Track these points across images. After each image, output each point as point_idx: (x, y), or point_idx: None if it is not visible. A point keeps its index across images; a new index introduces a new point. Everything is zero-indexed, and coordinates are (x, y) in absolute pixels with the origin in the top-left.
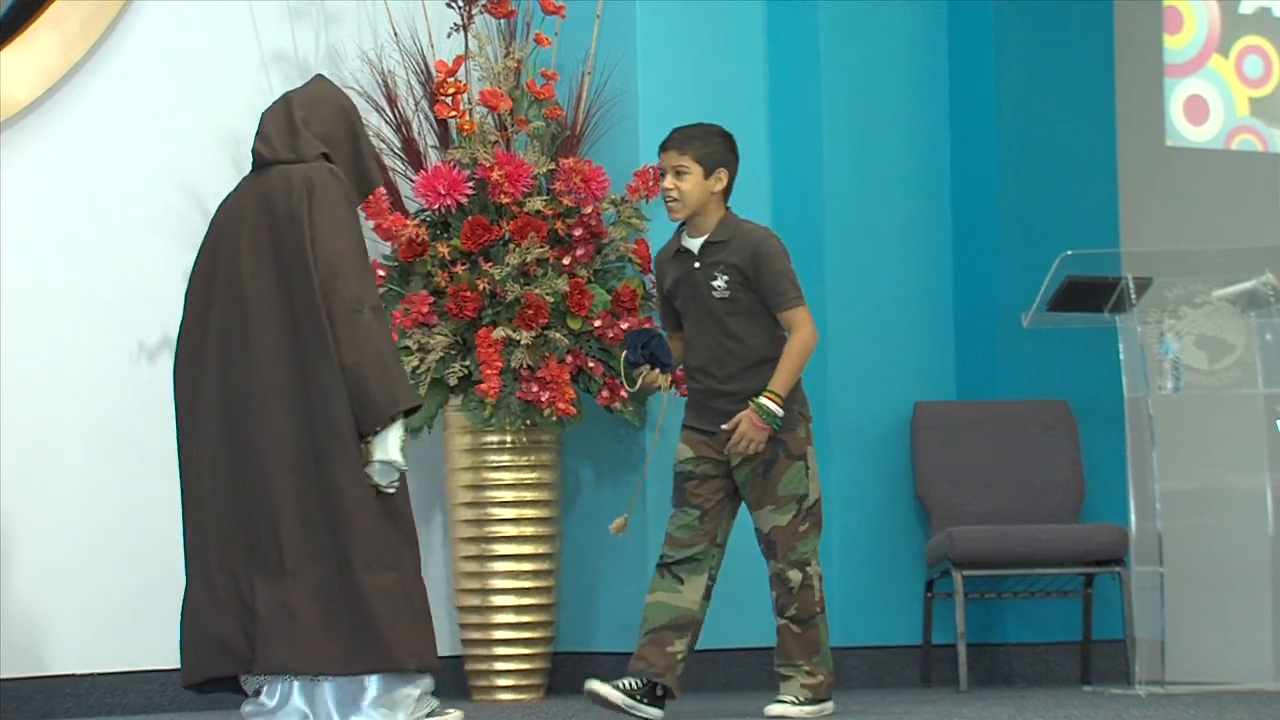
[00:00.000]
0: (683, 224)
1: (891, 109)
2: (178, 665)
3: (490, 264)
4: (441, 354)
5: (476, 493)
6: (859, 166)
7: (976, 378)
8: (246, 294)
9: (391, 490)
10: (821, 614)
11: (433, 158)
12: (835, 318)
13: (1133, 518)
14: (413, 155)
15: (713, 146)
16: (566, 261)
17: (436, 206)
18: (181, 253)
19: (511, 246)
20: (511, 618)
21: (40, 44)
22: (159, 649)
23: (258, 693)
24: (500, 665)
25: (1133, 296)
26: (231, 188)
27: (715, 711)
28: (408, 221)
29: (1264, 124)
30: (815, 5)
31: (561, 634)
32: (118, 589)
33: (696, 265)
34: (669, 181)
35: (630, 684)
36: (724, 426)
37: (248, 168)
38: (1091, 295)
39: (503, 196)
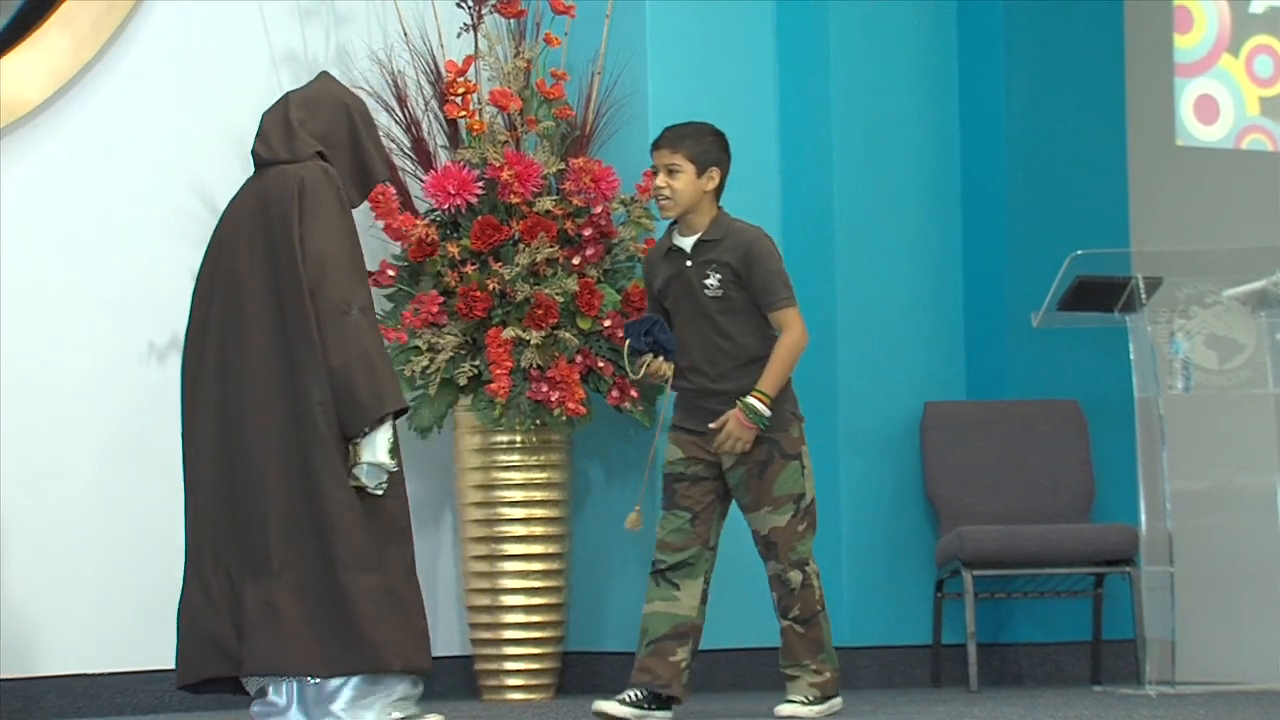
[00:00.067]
0: (674, 223)
1: (901, 109)
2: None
3: (500, 264)
4: (451, 354)
5: (486, 492)
6: (869, 166)
7: (986, 378)
8: (244, 294)
9: (379, 492)
10: (822, 611)
11: (442, 158)
12: (845, 318)
13: (1143, 518)
14: (422, 155)
15: (705, 145)
16: (576, 261)
17: (446, 206)
18: (191, 253)
19: (521, 246)
20: (521, 617)
21: (51, 44)
22: (168, 649)
23: (263, 693)
24: (510, 665)
25: (1143, 296)
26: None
27: (723, 712)
28: (417, 221)
29: (1274, 123)
30: (825, 5)
31: (571, 634)
32: (127, 589)
33: (689, 264)
34: (661, 180)
35: (635, 695)
36: (711, 425)
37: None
38: (1101, 295)
39: (512, 196)
